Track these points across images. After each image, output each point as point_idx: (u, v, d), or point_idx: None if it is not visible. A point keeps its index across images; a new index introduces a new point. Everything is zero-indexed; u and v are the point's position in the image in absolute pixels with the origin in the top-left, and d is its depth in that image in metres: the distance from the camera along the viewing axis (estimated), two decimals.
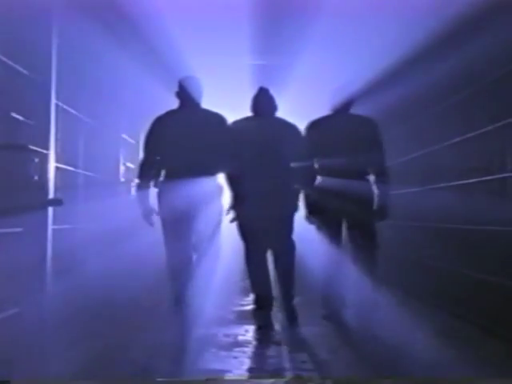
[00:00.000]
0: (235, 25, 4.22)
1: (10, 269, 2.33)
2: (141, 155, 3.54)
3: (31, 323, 2.55)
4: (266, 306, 3.56)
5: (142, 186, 3.43)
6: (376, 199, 3.57)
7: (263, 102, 3.64)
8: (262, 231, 3.50)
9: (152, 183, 3.44)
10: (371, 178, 3.61)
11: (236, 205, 3.53)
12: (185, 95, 3.48)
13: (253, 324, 3.55)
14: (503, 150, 3.15)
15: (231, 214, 3.60)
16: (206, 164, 3.40)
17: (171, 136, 3.38)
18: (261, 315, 3.54)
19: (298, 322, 3.47)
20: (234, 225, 3.66)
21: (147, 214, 3.41)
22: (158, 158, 3.42)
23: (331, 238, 3.56)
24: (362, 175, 3.58)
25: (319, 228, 3.64)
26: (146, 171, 3.43)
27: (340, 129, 3.60)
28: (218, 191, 3.70)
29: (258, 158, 3.47)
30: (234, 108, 3.84)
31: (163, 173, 3.44)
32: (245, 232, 3.59)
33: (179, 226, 3.35)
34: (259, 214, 3.42)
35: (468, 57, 3.34)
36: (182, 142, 3.36)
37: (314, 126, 3.69)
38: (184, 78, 3.56)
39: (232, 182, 3.54)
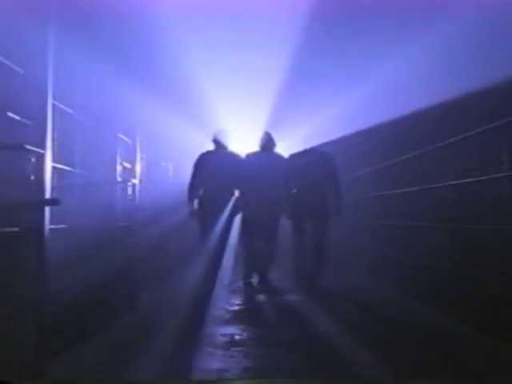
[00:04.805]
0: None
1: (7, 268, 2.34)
2: (189, 177, 5.38)
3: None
4: (261, 267, 5.50)
5: (190, 198, 5.30)
6: (333, 203, 5.45)
7: (266, 141, 5.66)
8: (258, 224, 5.48)
9: (196, 195, 5.31)
10: (328, 190, 5.48)
11: (236, 209, 5.39)
12: (218, 142, 5.49)
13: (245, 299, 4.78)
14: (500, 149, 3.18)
15: (232, 214, 5.37)
16: (229, 184, 5.38)
17: (209, 167, 5.30)
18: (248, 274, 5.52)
19: (269, 284, 5.42)
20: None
21: (192, 214, 5.30)
22: (201, 180, 5.29)
23: (299, 228, 5.52)
24: (322, 189, 5.46)
25: (293, 222, 5.55)
26: (193, 188, 5.31)
27: (309, 159, 5.47)
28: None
29: (260, 178, 5.38)
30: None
31: (203, 189, 5.32)
32: (245, 223, 5.51)
33: (211, 222, 5.18)
34: (257, 214, 5.43)
35: None
36: (216, 171, 5.27)
37: (292, 156, 5.64)
38: (218, 131, 5.56)
39: (242, 194, 5.47)
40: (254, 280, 5.53)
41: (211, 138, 5.55)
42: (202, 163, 5.37)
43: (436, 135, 4.07)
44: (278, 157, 5.71)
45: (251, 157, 5.65)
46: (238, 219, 5.74)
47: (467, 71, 3.51)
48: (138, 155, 4.58)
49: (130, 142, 4.34)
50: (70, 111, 3.11)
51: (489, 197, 3.29)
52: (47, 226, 2.56)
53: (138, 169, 4.53)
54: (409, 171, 4.70)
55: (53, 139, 2.72)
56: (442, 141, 3.95)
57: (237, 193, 5.55)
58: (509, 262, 3.01)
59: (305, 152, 5.60)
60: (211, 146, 5.57)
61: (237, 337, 3.29)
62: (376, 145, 5.74)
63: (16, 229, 2.38)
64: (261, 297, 4.90)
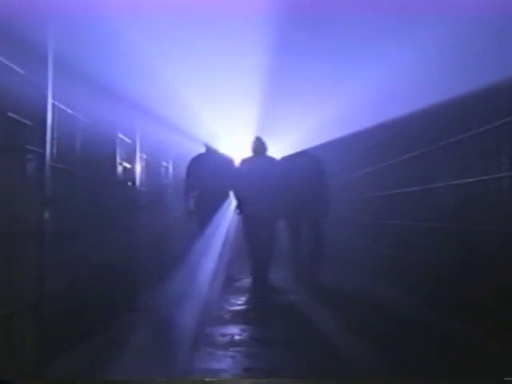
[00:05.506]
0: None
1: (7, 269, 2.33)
2: (183, 179, 5.84)
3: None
4: (261, 264, 5.66)
5: (185, 199, 5.74)
6: (321, 205, 5.78)
7: (258, 146, 5.93)
8: (255, 222, 5.69)
9: (191, 196, 5.72)
10: (317, 191, 5.72)
11: (239, 207, 5.82)
12: (208, 146, 5.94)
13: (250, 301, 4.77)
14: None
15: (237, 211, 5.89)
16: (222, 185, 5.70)
17: (201, 169, 5.69)
18: (257, 270, 5.68)
19: (267, 280, 5.57)
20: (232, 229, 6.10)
21: (188, 214, 5.75)
22: (195, 181, 5.68)
23: (295, 228, 5.97)
24: (312, 190, 5.69)
25: (289, 223, 6.01)
26: (188, 189, 5.74)
27: (299, 162, 5.78)
28: (229, 201, 5.93)
29: (254, 180, 5.62)
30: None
31: (197, 190, 5.70)
32: (246, 225, 5.85)
33: (206, 219, 5.55)
34: (254, 213, 5.68)
35: None
36: (208, 172, 5.64)
37: (283, 159, 6.02)
38: (208, 135, 5.94)
39: (236, 195, 5.82)
40: (256, 279, 5.63)
41: (202, 142, 5.94)
42: (195, 165, 5.75)
43: (436, 136, 4.07)
44: (272, 159, 5.98)
45: (247, 161, 5.91)
46: (236, 219, 6.14)
47: (467, 71, 3.51)
48: (138, 155, 4.57)
49: (129, 141, 4.34)
50: (69, 111, 3.10)
51: (489, 197, 3.29)
52: (47, 226, 2.56)
53: (138, 169, 4.52)
54: (409, 171, 4.70)
55: (53, 139, 2.72)
56: (442, 141, 3.95)
57: (232, 194, 5.86)
58: (509, 262, 3.00)
59: (295, 155, 5.91)
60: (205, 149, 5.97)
61: (237, 337, 3.29)
62: (377, 145, 5.75)
63: (16, 229, 2.38)
64: (261, 296, 4.90)
